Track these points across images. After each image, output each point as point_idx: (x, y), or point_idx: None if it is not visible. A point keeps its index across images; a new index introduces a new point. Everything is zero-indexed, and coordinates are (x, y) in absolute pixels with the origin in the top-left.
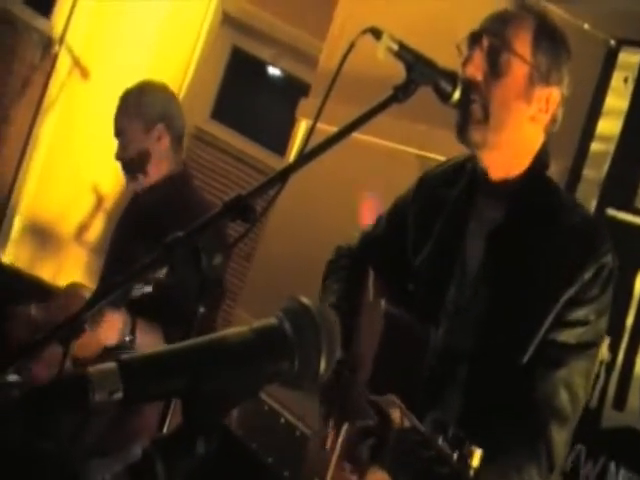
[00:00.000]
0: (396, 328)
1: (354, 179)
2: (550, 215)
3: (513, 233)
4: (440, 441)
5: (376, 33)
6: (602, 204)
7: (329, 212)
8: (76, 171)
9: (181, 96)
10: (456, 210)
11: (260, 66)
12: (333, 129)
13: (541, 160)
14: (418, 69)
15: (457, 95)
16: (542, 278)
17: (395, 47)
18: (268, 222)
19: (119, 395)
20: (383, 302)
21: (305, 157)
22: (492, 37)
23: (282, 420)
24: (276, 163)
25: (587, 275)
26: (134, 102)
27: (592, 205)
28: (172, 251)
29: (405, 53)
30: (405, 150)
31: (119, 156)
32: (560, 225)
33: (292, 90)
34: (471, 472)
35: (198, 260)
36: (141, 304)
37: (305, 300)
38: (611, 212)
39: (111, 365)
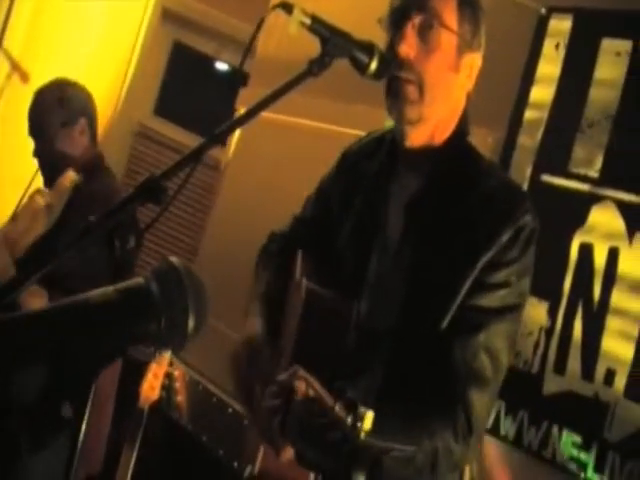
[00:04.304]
0: (317, 306)
1: (293, 163)
2: (468, 181)
3: (431, 201)
4: (337, 407)
5: (287, 7)
6: (537, 170)
7: (272, 200)
8: (19, 176)
9: (123, 93)
10: (376, 183)
11: (203, 60)
12: (275, 116)
13: (462, 128)
14: (333, 42)
15: (374, 66)
16: (459, 244)
17: (307, 21)
18: (212, 214)
19: None
20: (304, 280)
21: (216, 135)
22: (422, 12)
23: (230, 410)
24: (224, 157)
25: (504, 238)
26: (55, 97)
27: (528, 171)
28: (85, 235)
29: (319, 27)
30: (330, 128)
31: (39, 153)
32: (477, 191)
33: (236, 83)
34: (362, 435)
35: (111, 244)
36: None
37: (174, 260)
38: (546, 178)
39: None
